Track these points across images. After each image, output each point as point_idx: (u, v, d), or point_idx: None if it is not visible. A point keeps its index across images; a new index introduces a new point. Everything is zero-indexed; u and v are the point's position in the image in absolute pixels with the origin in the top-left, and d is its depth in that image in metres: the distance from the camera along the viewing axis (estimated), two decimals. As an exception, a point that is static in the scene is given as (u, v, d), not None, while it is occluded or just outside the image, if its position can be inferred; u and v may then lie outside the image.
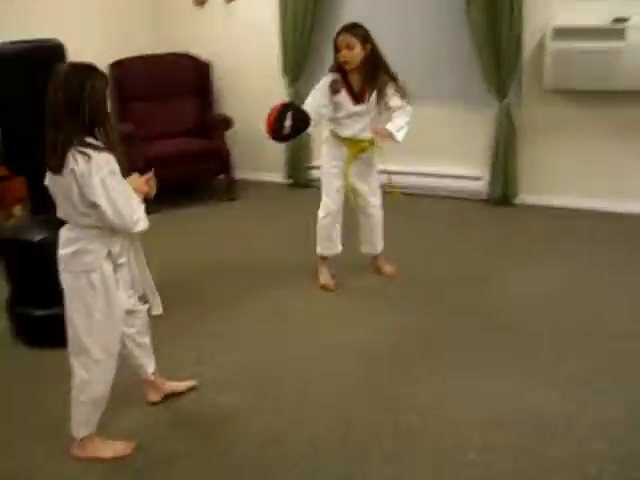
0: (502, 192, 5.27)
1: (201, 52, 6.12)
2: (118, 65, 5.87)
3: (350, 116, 3.81)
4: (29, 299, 3.54)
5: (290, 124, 3.56)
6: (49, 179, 2.41)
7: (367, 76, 3.74)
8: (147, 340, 2.85)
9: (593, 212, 5.02)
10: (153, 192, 2.68)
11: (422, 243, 4.73)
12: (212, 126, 5.85)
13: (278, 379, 3.17)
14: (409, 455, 2.62)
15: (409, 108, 3.77)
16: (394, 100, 3.75)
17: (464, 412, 2.86)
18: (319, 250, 4.10)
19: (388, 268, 4.22)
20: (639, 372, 3.09)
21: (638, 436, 2.66)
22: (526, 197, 5.29)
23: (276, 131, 3.58)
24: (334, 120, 3.86)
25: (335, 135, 3.89)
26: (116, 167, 2.36)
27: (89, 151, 2.28)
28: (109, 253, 2.47)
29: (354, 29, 3.72)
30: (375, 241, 4.17)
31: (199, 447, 2.73)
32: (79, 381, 2.57)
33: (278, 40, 5.82)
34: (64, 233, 2.49)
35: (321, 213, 4.04)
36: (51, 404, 2.98)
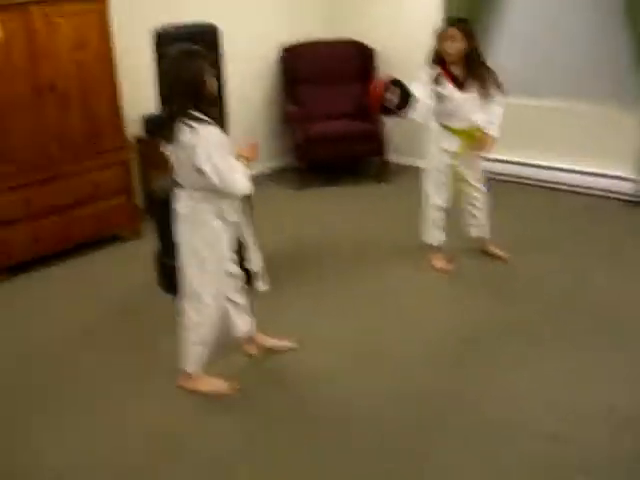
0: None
1: (366, 38, 6.38)
2: (289, 50, 6.31)
3: (457, 105, 3.94)
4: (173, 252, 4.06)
5: (395, 99, 3.76)
6: (168, 148, 2.82)
7: (468, 68, 3.90)
8: (243, 300, 3.20)
9: None
10: (256, 158, 2.99)
11: (542, 235, 4.72)
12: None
13: (374, 352, 3.41)
14: (480, 430, 2.77)
15: (503, 100, 4.00)
16: (492, 91, 3.94)
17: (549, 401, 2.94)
18: (429, 240, 4.30)
19: (500, 252, 4.32)
20: None
21: None
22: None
23: (380, 104, 3.77)
24: (442, 112, 3.99)
25: (446, 127, 4.02)
26: (219, 138, 2.71)
27: (194, 124, 2.65)
28: (220, 211, 2.84)
29: (460, 24, 3.91)
30: (483, 224, 4.28)
31: (291, 396, 3.07)
32: (191, 323, 2.99)
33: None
34: (181, 194, 2.90)
35: (428, 207, 4.23)
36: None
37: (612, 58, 5.11)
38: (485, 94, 3.95)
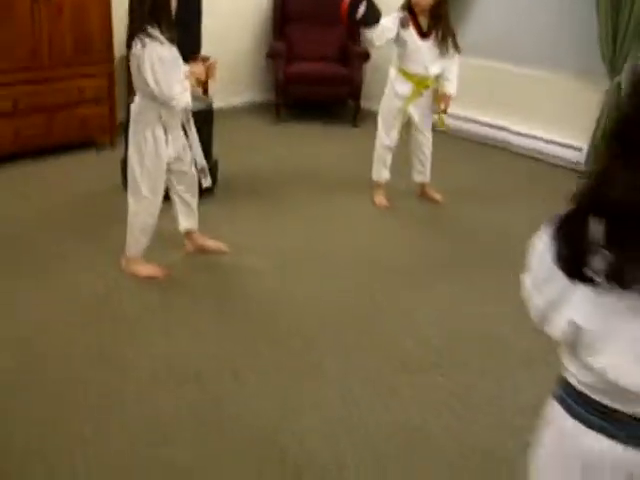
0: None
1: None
2: None
3: (417, 51, 4.31)
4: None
5: (363, 12, 4.12)
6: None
7: (434, 20, 4.28)
8: (191, 199, 3.64)
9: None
10: (211, 77, 3.40)
11: (481, 188, 5.13)
12: (351, 56, 6.48)
13: (303, 260, 3.87)
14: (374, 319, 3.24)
15: (457, 59, 4.41)
16: (450, 48, 4.34)
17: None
18: (374, 176, 4.72)
19: (437, 195, 4.74)
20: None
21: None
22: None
23: (349, 15, 4.13)
24: (402, 57, 4.36)
25: (402, 72, 4.39)
26: (167, 54, 3.11)
27: (146, 39, 3.05)
28: (160, 118, 3.26)
29: None
30: (426, 171, 4.69)
31: (218, 284, 3.55)
32: (131, 212, 3.44)
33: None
34: (135, 97, 3.32)
35: (378, 146, 4.63)
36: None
37: (582, 31, 5.42)
38: (443, 48, 4.32)
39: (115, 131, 5.35)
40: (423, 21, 4.32)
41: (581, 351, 1.27)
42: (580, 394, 1.34)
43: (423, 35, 4.32)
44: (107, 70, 5.22)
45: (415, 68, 4.38)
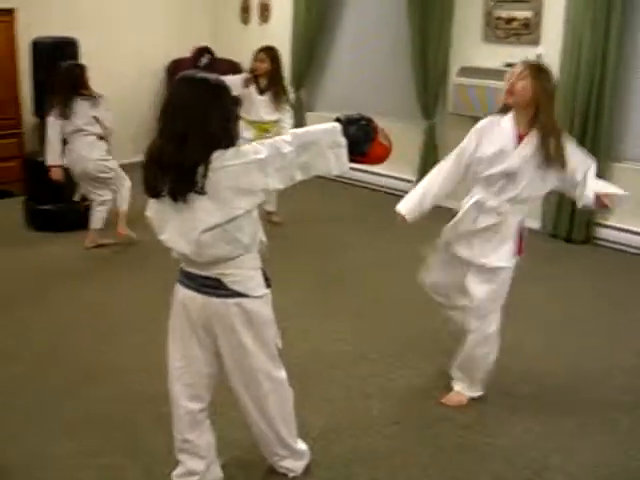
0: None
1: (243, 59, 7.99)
2: (174, 62, 7.88)
3: (255, 105, 5.60)
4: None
5: (205, 62, 5.33)
6: None
7: (269, 82, 5.63)
8: None
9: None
10: None
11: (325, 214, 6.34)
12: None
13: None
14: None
15: (289, 110, 5.73)
16: (283, 103, 5.70)
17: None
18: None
19: (277, 218, 5.93)
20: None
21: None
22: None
23: (195, 64, 5.32)
24: (244, 108, 5.57)
25: (245, 120, 5.58)
26: None
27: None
28: None
29: (268, 50, 5.63)
30: (273, 201, 5.86)
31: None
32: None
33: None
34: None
35: None
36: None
37: (397, 82, 6.76)
38: (277, 103, 5.65)
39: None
40: (262, 81, 5.63)
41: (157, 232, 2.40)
42: (181, 268, 2.48)
43: (261, 92, 5.62)
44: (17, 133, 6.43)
45: (254, 117, 5.62)
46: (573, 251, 5.68)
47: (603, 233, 5.75)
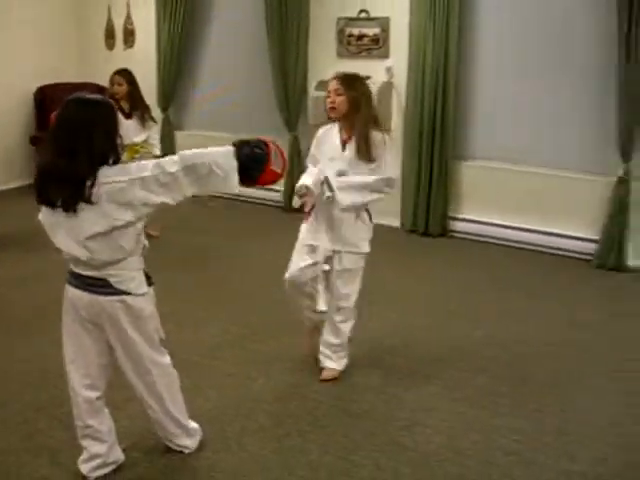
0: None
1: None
2: (43, 89, 8.00)
3: (124, 129, 5.73)
4: None
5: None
6: None
7: (131, 103, 5.91)
8: None
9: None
10: None
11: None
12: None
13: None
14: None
15: (156, 127, 6.09)
16: (148, 120, 5.99)
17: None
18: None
19: (156, 233, 6.15)
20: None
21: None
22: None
23: None
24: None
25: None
26: None
27: None
28: None
29: (123, 72, 5.90)
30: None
31: None
32: None
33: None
34: None
35: None
36: None
37: (265, 98, 7.18)
38: (143, 122, 5.93)
39: None
40: (125, 105, 5.86)
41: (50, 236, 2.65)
42: (69, 269, 2.74)
43: (127, 116, 5.84)
44: None
45: (125, 141, 5.84)
46: (431, 244, 6.27)
47: (457, 225, 6.38)
